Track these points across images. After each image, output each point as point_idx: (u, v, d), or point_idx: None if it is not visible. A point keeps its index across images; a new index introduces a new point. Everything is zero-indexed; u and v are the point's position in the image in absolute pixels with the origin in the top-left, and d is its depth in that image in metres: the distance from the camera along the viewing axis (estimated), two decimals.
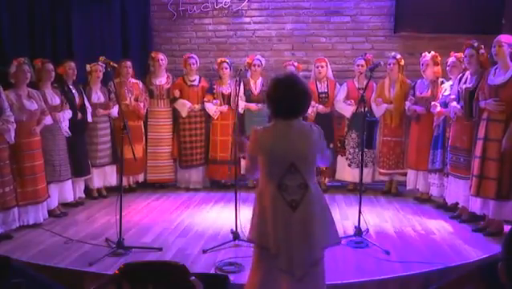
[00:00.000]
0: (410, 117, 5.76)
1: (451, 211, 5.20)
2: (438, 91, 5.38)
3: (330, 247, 2.74)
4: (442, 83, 5.42)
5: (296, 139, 2.63)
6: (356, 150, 6.02)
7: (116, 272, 2.04)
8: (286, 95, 2.62)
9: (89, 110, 5.62)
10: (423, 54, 5.57)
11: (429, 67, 5.49)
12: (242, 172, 6.31)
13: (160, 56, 6.28)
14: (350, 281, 3.53)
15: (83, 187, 5.75)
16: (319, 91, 6.15)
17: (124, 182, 5.90)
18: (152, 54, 6.32)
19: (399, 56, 5.88)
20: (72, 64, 5.48)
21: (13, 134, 4.45)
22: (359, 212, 4.42)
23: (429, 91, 5.50)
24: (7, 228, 4.52)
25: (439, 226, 4.83)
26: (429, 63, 5.48)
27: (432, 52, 5.52)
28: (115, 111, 5.85)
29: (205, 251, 4.11)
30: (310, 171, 2.69)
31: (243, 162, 6.29)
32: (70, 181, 5.38)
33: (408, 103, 5.66)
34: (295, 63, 6.24)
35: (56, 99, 5.22)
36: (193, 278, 2.02)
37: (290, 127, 2.65)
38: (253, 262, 2.77)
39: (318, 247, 2.64)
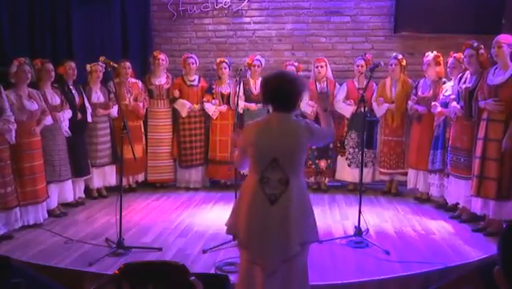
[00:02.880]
0: (411, 117, 5.76)
1: (451, 211, 5.20)
2: (439, 92, 5.39)
3: (307, 244, 2.76)
4: (444, 83, 5.42)
5: (281, 135, 2.68)
6: (356, 150, 6.02)
7: (116, 272, 2.03)
8: (278, 87, 2.71)
9: (89, 110, 5.61)
10: (426, 54, 5.58)
11: (431, 67, 5.49)
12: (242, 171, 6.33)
13: (162, 56, 6.27)
14: (350, 281, 3.53)
15: (83, 187, 5.75)
16: (319, 91, 6.15)
17: (124, 182, 5.89)
18: (154, 53, 6.31)
19: (400, 56, 5.87)
20: (72, 64, 5.48)
21: (14, 134, 4.45)
22: (359, 212, 4.42)
23: (431, 91, 5.50)
24: (10, 228, 4.52)
25: (439, 226, 4.83)
26: (431, 63, 5.48)
27: (435, 52, 5.52)
28: (114, 111, 5.85)
29: (205, 251, 4.11)
30: (294, 167, 2.71)
31: None
32: (70, 181, 5.38)
33: (410, 103, 5.66)
34: (295, 63, 6.24)
35: (56, 99, 5.22)
36: (193, 278, 2.02)
37: (278, 121, 2.71)
38: (239, 253, 2.85)
39: (293, 243, 2.65)
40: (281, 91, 2.70)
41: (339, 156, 6.25)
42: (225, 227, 2.89)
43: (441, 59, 5.49)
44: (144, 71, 6.53)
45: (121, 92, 5.91)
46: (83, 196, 5.77)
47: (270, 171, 2.65)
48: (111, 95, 5.80)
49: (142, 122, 6.26)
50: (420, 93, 5.61)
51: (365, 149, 4.80)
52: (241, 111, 6.08)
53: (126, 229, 4.49)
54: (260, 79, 6.30)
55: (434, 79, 5.52)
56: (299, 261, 2.72)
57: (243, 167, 2.92)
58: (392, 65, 5.82)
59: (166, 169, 6.44)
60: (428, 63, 5.50)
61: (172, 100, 6.28)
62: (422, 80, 5.68)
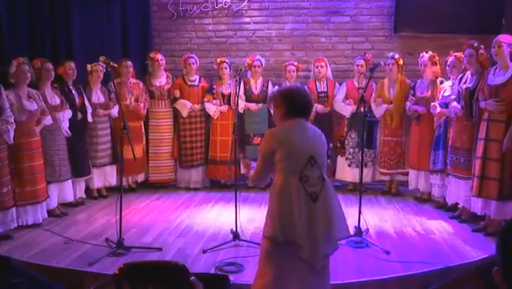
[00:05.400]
0: (410, 117, 5.76)
1: (451, 211, 5.20)
2: (437, 91, 5.39)
3: (342, 239, 2.96)
4: (441, 82, 5.42)
5: (313, 135, 2.86)
6: (356, 150, 6.02)
7: (116, 272, 2.03)
8: (302, 98, 2.94)
9: (89, 110, 5.61)
10: (421, 55, 5.58)
11: (428, 67, 5.49)
12: (242, 172, 6.32)
13: (159, 56, 6.27)
14: (350, 281, 3.53)
15: (83, 187, 5.75)
16: (319, 90, 6.15)
17: (124, 182, 5.89)
18: (151, 55, 6.29)
19: (397, 56, 5.88)
20: (72, 64, 5.48)
21: (12, 134, 4.45)
22: (359, 212, 4.43)
23: (429, 91, 5.50)
24: (6, 228, 4.52)
25: (439, 226, 4.83)
26: (427, 63, 5.48)
27: (430, 52, 5.52)
28: (115, 111, 5.85)
29: (205, 251, 4.11)
30: (324, 165, 2.88)
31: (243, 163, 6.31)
32: (70, 181, 5.38)
33: (408, 104, 5.66)
34: (295, 63, 6.23)
35: (56, 99, 5.21)
36: (193, 278, 2.02)
37: (305, 125, 2.89)
38: (264, 258, 2.81)
39: (338, 238, 2.81)
40: (309, 103, 2.98)
41: (339, 156, 6.23)
42: (272, 240, 2.78)
43: (437, 58, 5.49)
44: (144, 71, 6.52)
45: (122, 92, 5.91)
46: (84, 196, 5.77)
47: (308, 169, 2.75)
48: (112, 96, 5.80)
49: (142, 122, 6.26)
50: (418, 93, 5.61)
51: (365, 149, 4.80)
52: (241, 112, 6.09)
53: (126, 229, 4.49)
54: (261, 78, 6.34)
55: (431, 79, 5.51)
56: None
57: (265, 179, 2.99)
58: (389, 65, 5.81)
59: (167, 169, 6.44)
60: (425, 63, 5.49)
61: (173, 100, 6.28)
62: (419, 80, 5.68)
